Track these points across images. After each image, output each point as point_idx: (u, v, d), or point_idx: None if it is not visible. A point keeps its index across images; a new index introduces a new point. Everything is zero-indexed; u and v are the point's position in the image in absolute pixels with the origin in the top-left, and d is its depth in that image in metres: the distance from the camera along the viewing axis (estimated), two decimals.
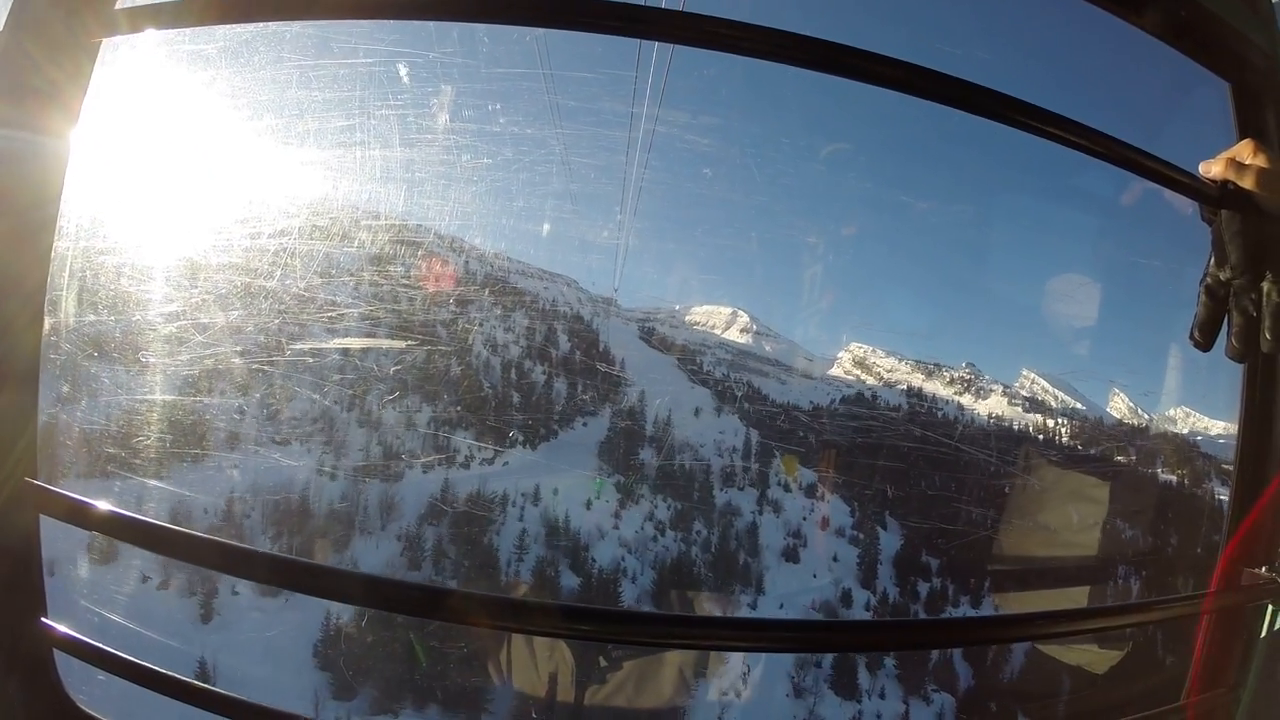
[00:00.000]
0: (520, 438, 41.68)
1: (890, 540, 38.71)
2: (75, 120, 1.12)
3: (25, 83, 1.08)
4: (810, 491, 41.62)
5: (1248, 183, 1.17)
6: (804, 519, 40.18)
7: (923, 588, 34.96)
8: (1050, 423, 43.71)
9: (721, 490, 40.82)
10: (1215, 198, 1.22)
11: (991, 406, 45.52)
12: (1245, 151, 1.19)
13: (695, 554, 37.57)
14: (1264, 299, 1.18)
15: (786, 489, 41.14)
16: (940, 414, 45.36)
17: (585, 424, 43.27)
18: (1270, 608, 1.41)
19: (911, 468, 39.42)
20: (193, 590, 21.78)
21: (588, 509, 37.95)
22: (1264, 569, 1.39)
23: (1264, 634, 1.41)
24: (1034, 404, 44.58)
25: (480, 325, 41.40)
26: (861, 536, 39.37)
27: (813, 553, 38.78)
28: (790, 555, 38.22)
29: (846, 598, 36.24)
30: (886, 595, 35.73)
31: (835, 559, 38.33)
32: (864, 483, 40.85)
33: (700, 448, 42.45)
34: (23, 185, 1.09)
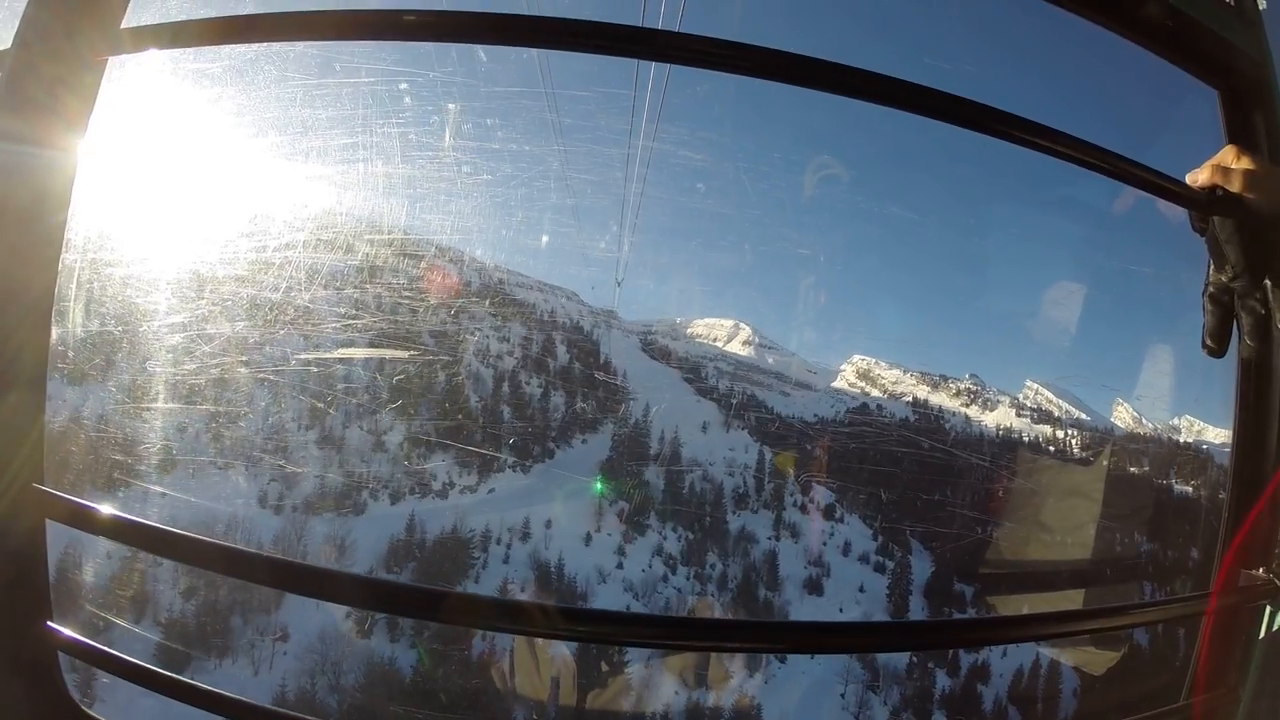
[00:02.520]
0: (510, 459, 37.36)
1: (920, 566, 36.29)
2: (82, 135, 1.15)
3: (33, 99, 1.11)
4: (828, 512, 38.90)
5: (1235, 187, 1.19)
6: (824, 544, 37.43)
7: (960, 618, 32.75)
8: (1060, 433, 43.03)
9: (734, 513, 37.78)
10: (1205, 204, 1.24)
11: (999, 418, 44.83)
12: (1229, 156, 1.22)
13: (711, 593, 34.16)
14: (1270, 296, 1.20)
15: (804, 510, 38.66)
16: (949, 426, 44.19)
17: (585, 441, 40.29)
18: (1269, 609, 1.41)
19: (927, 483, 37.58)
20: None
21: (586, 545, 34.07)
22: (1261, 570, 1.40)
23: (1262, 635, 1.41)
24: (1041, 414, 44.05)
25: (478, 337, 39.68)
26: (887, 563, 36.90)
27: (837, 582, 36.07)
28: (813, 587, 35.50)
29: None
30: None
31: (861, 589, 35.78)
32: (880, 500, 38.79)
33: (709, 465, 39.63)
34: (31, 198, 1.11)
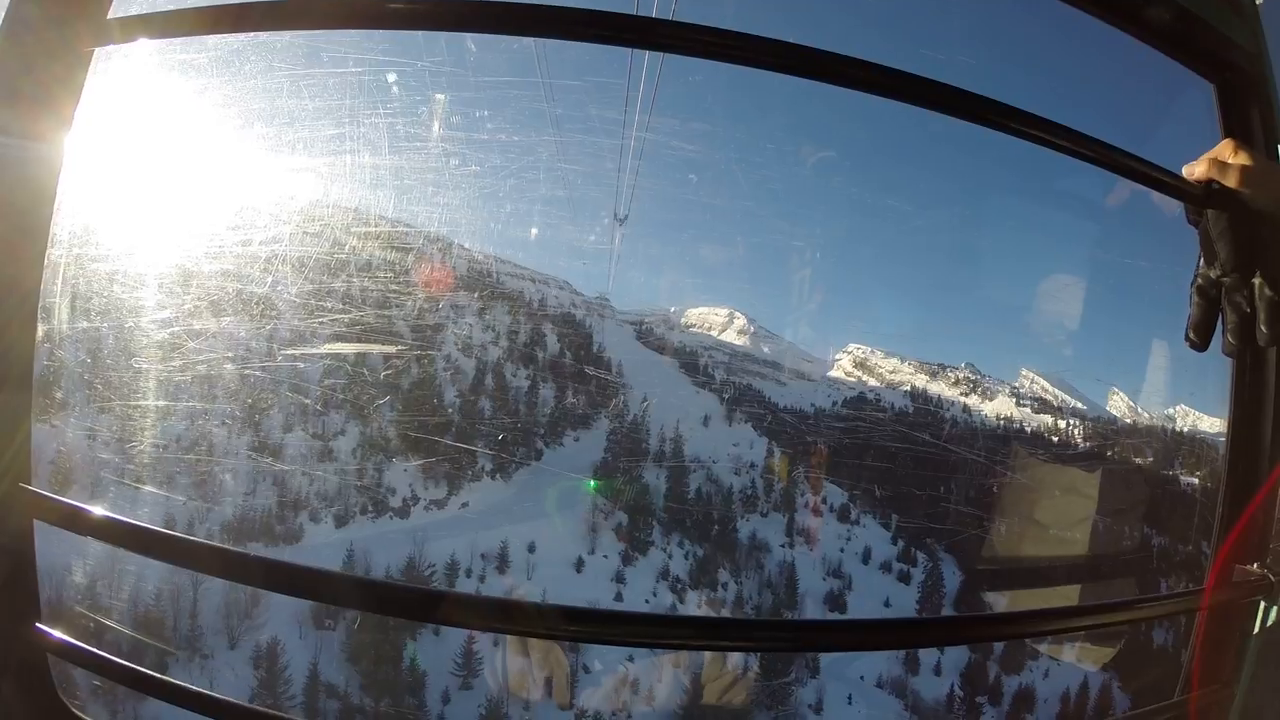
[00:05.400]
0: (489, 465, 32.72)
1: (950, 575, 33.55)
2: (68, 127, 1.13)
3: (18, 90, 1.09)
4: (843, 514, 36.46)
5: (1231, 181, 1.19)
6: (841, 550, 34.82)
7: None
8: (1060, 422, 41.95)
9: (743, 518, 34.76)
10: (1201, 198, 1.23)
11: (998, 407, 43.96)
12: (1226, 151, 1.21)
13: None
14: (1256, 294, 1.19)
15: (816, 512, 35.99)
16: (949, 415, 43.07)
17: (577, 439, 36.73)
18: (1263, 604, 1.42)
19: (932, 478, 35.85)
20: None
21: (578, 572, 29.88)
22: (1255, 566, 1.41)
23: (1257, 630, 1.42)
24: (1039, 403, 43.42)
25: (461, 329, 37.01)
26: (910, 570, 34.52)
27: (860, 595, 33.19)
28: (835, 602, 32.74)
29: (913, 662, 28.35)
30: (968, 656, 28.15)
31: (887, 604, 32.85)
32: (894, 499, 36.39)
33: (713, 464, 36.48)
34: (16, 191, 1.09)
